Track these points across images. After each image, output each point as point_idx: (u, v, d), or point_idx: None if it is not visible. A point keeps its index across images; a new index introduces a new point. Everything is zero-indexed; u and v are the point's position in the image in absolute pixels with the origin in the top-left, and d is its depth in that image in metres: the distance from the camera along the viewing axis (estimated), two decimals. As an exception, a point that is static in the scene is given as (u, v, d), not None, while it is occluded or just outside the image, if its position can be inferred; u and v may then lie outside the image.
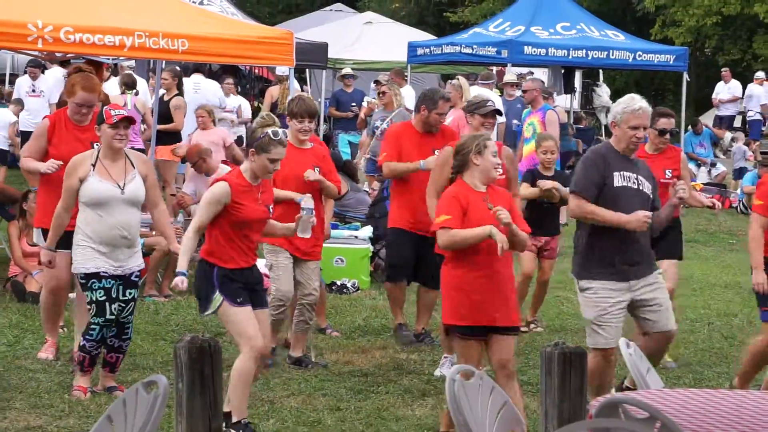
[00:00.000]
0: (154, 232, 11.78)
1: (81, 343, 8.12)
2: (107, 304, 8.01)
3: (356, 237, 12.89)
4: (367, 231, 13.03)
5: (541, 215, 10.63)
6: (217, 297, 7.26)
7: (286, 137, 7.54)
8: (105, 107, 8.27)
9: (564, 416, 5.14)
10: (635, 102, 7.74)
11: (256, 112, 19.52)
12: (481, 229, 7.10)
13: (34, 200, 10.35)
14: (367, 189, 15.11)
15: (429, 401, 8.31)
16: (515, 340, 7.43)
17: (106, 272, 8.00)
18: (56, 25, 11.24)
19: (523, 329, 10.54)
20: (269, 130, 7.34)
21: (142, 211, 11.37)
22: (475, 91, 16.54)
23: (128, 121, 8.07)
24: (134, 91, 15.33)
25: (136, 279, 8.20)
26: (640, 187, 7.69)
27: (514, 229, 7.19)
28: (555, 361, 5.18)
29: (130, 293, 8.11)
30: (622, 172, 7.66)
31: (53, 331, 9.15)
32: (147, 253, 11.83)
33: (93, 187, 7.99)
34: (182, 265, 7.31)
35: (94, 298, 8.00)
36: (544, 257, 10.79)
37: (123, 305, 8.10)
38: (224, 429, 6.69)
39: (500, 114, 9.53)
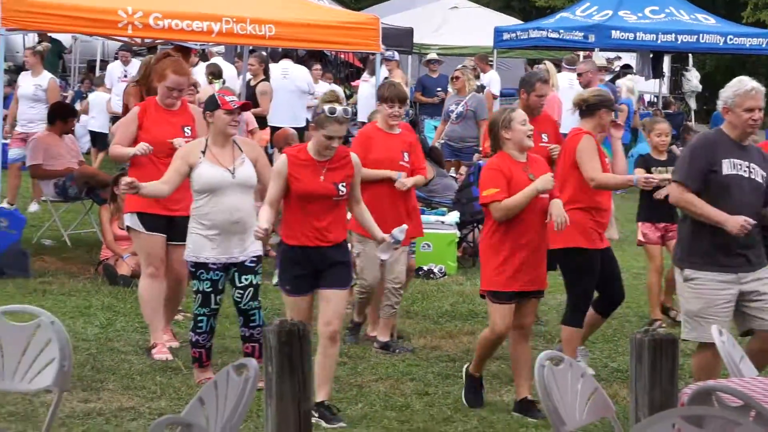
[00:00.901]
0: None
1: (192, 339, 8.04)
2: (212, 295, 7.94)
3: (443, 222, 12.86)
4: (454, 216, 13.00)
5: (658, 201, 10.42)
6: (275, 277, 7.38)
7: (347, 115, 7.41)
8: (218, 93, 8.24)
9: (655, 404, 5.08)
10: (746, 83, 7.30)
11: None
12: (529, 188, 7.48)
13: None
14: (453, 174, 15.08)
15: (517, 387, 8.29)
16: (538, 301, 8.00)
17: (215, 263, 7.89)
18: (146, 11, 11.37)
19: (658, 320, 10.46)
20: (326, 107, 7.33)
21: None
22: (563, 77, 16.48)
23: (243, 108, 8.11)
24: (222, 80, 15.42)
25: (253, 264, 7.97)
26: (752, 176, 7.22)
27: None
28: (645, 348, 5.12)
29: (246, 279, 7.93)
30: (731, 160, 7.20)
31: (158, 323, 8.89)
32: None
33: (205, 172, 7.91)
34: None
35: (200, 288, 7.92)
36: (668, 239, 10.50)
37: (241, 292, 7.95)
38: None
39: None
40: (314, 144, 7.40)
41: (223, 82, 15.40)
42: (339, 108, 7.31)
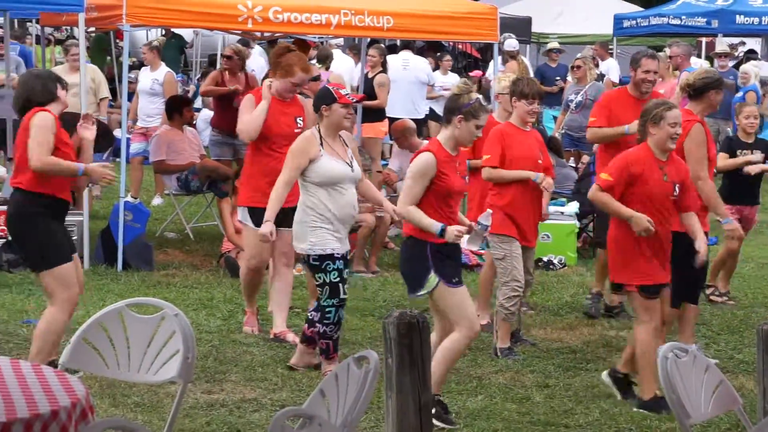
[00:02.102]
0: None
1: (320, 330, 8.07)
2: (340, 285, 7.99)
3: (562, 213, 12.76)
4: (574, 207, 12.88)
5: (739, 184, 10.34)
6: (433, 277, 7.06)
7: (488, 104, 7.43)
8: (332, 87, 8.26)
9: (783, 396, 4.98)
10: None
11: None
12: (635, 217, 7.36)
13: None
14: (573, 164, 14.95)
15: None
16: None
17: (339, 253, 7.99)
18: (265, 5, 11.47)
19: (716, 298, 10.41)
20: (479, 96, 7.28)
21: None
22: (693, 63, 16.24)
23: (358, 102, 8.17)
24: (326, 65, 15.42)
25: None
26: None
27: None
28: (773, 340, 5.02)
29: (347, 271, 8.20)
30: None
31: (252, 304, 9.34)
32: (353, 229, 11.99)
33: (329, 166, 7.96)
34: (434, 225, 7.10)
35: (327, 280, 7.95)
36: (744, 222, 10.36)
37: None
38: None
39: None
40: (460, 135, 7.14)
41: (327, 68, 15.38)
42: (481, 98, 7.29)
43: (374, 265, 11.88)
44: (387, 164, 14.29)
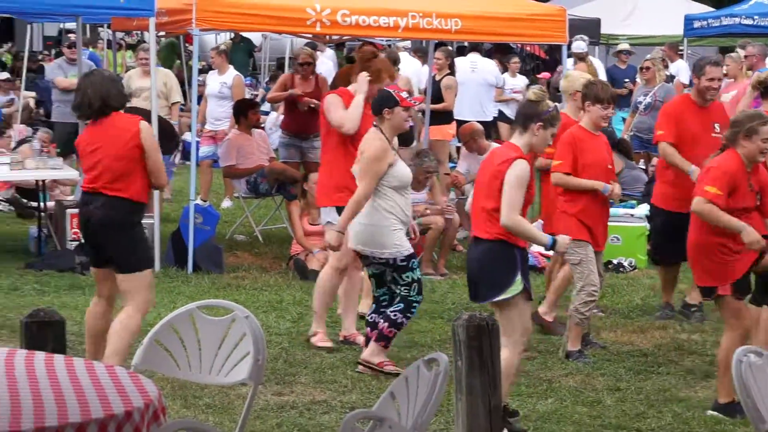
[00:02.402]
0: (428, 211, 11.91)
1: (398, 320, 8.16)
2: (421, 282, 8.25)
3: (632, 215, 12.68)
4: (644, 209, 12.78)
5: None
6: (519, 282, 6.97)
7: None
8: (393, 90, 8.25)
9: None
10: None
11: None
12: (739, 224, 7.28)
13: (315, 180, 10.61)
14: (643, 166, 14.83)
15: (713, 383, 8.07)
16: None
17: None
18: (333, 8, 11.52)
19: None
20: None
21: (417, 191, 11.54)
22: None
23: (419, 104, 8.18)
24: (395, 68, 15.40)
25: None
26: None
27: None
28: None
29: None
30: None
31: (324, 317, 9.02)
32: (423, 231, 11.99)
33: (404, 169, 8.08)
34: (544, 236, 7.20)
35: (415, 278, 8.13)
36: None
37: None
38: None
39: None
40: (537, 142, 7.10)
41: (397, 70, 15.35)
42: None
43: (443, 268, 11.87)
44: (455, 167, 14.26)
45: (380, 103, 8.15)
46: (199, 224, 11.63)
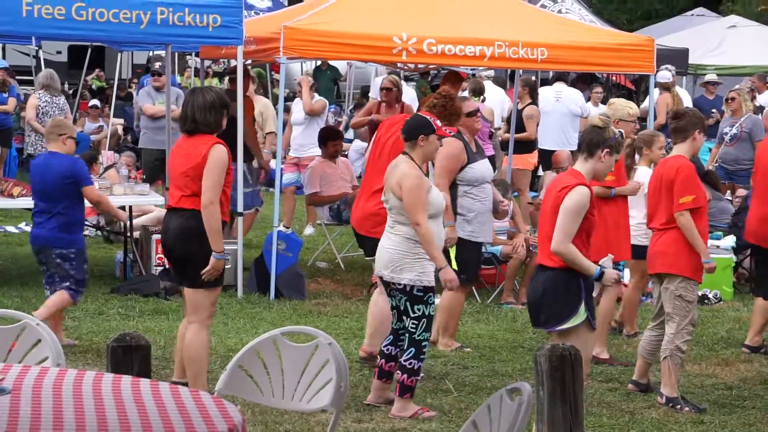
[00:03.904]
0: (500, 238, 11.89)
1: (415, 366, 7.77)
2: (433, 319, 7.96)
3: (718, 247, 12.54)
4: (730, 240, 12.65)
5: None
6: (583, 311, 6.97)
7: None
8: (431, 117, 8.06)
9: None
10: None
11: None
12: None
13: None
14: (729, 197, 14.67)
15: (801, 419, 7.97)
16: None
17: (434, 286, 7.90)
18: (420, 37, 11.57)
19: None
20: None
21: (498, 219, 11.52)
22: None
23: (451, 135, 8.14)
24: (481, 98, 15.46)
25: None
26: None
27: None
28: None
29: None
30: None
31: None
32: (504, 260, 11.96)
33: (439, 197, 7.85)
34: (592, 267, 7.04)
35: (427, 313, 7.77)
36: None
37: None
38: None
39: None
40: (602, 169, 7.12)
41: (483, 100, 15.39)
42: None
43: (524, 297, 11.81)
44: (536, 196, 14.22)
45: (416, 129, 7.83)
46: (282, 251, 11.70)
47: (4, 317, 5.99)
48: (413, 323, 7.74)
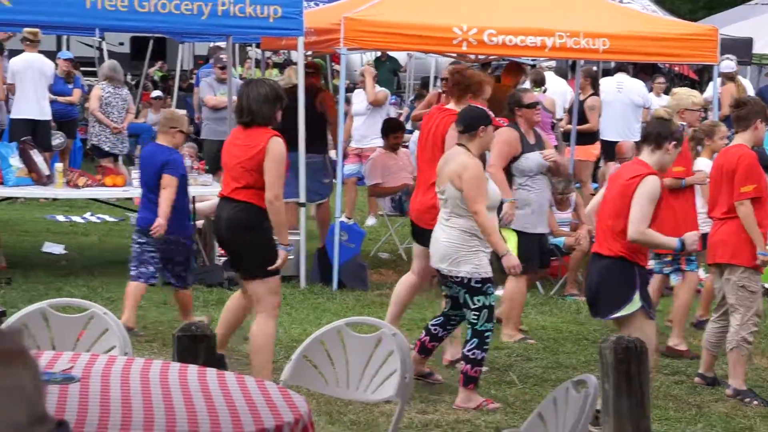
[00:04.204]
0: (562, 230, 11.83)
1: (479, 357, 7.77)
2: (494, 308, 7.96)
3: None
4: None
5: None
6: (637, 299, 7.00)
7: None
8: (486, 108, 8.13)
9: None
10: None
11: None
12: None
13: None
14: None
15: None
16: None
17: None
18: (480, 27, 11.52)
19: None
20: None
21: (561, 210, 11.47)
22: None
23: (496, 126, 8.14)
24: (543, 88, 15.37)
25: None
26: None
27: None
28: None
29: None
30: None
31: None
32: (567, 252, 11.90)
33: (495, 190, 7.89)
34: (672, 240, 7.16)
35: (486, 303, 7.74)
36: None
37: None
38: None
39: None
40: (667, 161, 7.17)
41: (544, 91, 15.31)
42: None
43: (588, 289, 11.76)
44: (598, 187, 14.14)
45: (476, 120, 7.80)
46: (344, 242, 11.72)
47: (72, 306, 6.05)
48: (474, 314, 7.74)
